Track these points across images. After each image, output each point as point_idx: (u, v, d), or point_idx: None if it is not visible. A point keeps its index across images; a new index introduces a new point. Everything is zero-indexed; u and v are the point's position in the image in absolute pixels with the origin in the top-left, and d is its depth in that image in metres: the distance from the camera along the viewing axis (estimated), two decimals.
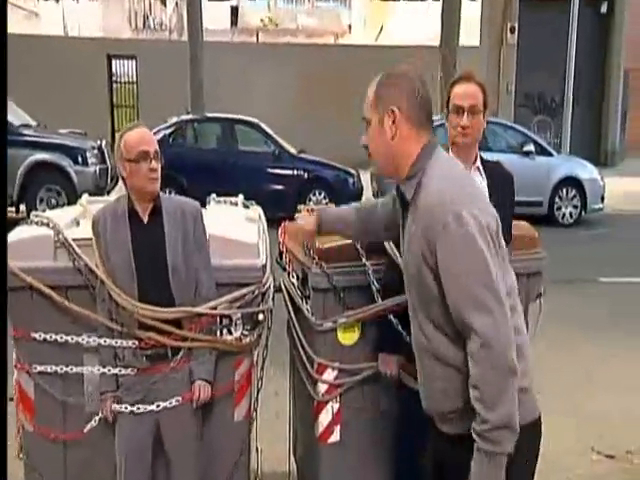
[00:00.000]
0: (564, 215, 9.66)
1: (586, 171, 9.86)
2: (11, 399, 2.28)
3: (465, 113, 2.11)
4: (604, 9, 15.39)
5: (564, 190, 9.58)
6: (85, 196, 2.74)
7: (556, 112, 15.08)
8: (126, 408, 2.10)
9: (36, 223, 2.28)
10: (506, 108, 14.92)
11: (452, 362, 1.53)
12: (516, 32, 15.04)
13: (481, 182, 2.15)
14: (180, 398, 2.10)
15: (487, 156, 2.29)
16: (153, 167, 2.05)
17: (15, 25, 18.88)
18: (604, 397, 3.93)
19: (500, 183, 2.18)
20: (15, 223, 3.04)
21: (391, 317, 2.17)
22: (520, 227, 2.58)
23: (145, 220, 2.11)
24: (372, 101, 1.62)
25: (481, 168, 2.18)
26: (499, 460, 1.44)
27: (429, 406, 1.64)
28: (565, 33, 12.70)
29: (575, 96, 13.01)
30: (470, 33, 14.41)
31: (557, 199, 9.59)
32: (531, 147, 9.43)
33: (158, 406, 2.09)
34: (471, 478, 1.46)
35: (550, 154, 9.85)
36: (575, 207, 9.66)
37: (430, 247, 1.48)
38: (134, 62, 14.33)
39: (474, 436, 1.45)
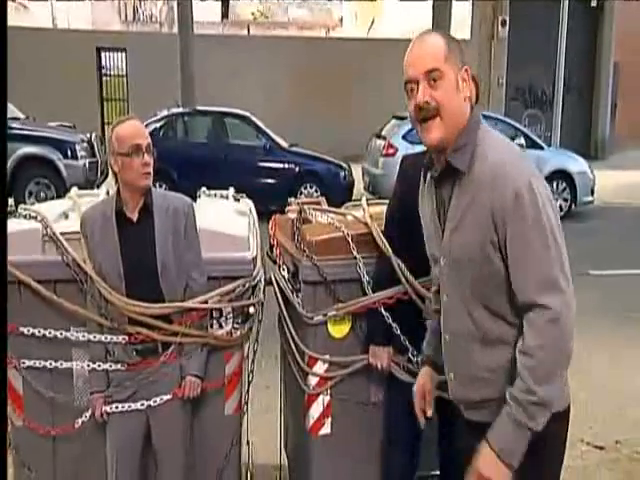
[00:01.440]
0: None
1: (576, 164, 9.90)
2: None
3: None
4: (594, 3, 15.42)
5: (554, 183, 9.60)
6: (74, 189, 2.72)
7: (547, 105, 15.12)
8: (117, 408, 2.08)
9: (24, 216, 2.27)
10: (497, 102, 14.95)
11: (508, 347, 1.44)
12: (507, 26, 15.04)
13: None
14: (170, 394, 2.09)
15: None
16: (146, 161, 2.01)
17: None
18: (593, 388, 3.96)
19: None
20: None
21: (382, 309, 2.17)
22: None
23: (135, 218, 2.06)
24: (445, 53, 1.46)
25: None
26: (525, 434, 1.39)
27: (465, 395, 1.56)
28: (555, 27, 12.71)
29: (565, 89, 13.05)
30: (461, 27, 14.42)
31: None
32: (522, 140, 9.44)
33: (147, 403, 2.08)
34: (491, 438, 1.41)
35: (541, 147, 9.89)
36: (565, 200, 9.70)
37: (497, 220, 1.39)
38: (124, 55, 14.20)
39: (509, 401, 1.39)
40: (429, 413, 1.74)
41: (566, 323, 1.40)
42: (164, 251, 2.05)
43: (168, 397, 2.09)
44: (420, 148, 2.49)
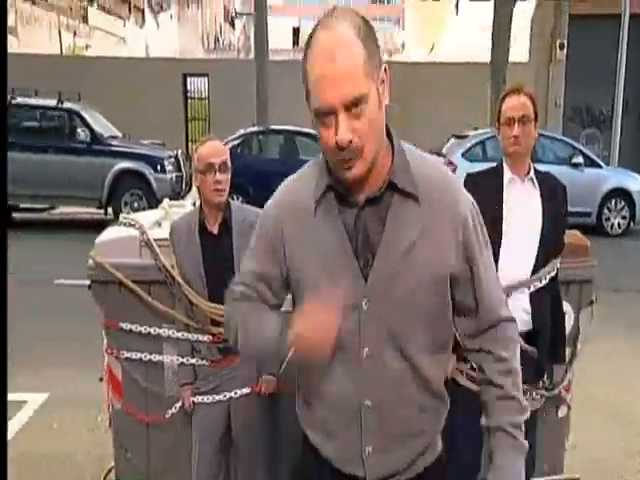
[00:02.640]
0: (612, 225, 9.24)
1: (635, 183, 9.40)
2: (101, 379, 2.38)
3: (516, 123, 2.06)
4: None
5: (613, 201, 9.17)
6: (166, 200, 2.83)
7: (605, 125, 14.43)
8: (202, 399, 2.14)
9: (124, 224, 2.37)
10: (555, 122, 14.40)
11: (441, 387, 1.21)
12: (565, 49, 14.50)
13: (534, 191, 2.09)
14: (248, 389, 2.13)
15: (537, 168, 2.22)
16: (217, 179, 2.03)
17: (106, 49, 19.82)
18: None
19: (552, 193, 2.12)
20: (104, 224, 3.17)
21: None
22: (572, 236, 2.49)
23: (215, 231, 2.10)
24: (365, 60, 1.04)
25: (534, 179, 2.12)
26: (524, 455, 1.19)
27: (394, 466, 1.19)
28: (615, 48, 12.14)
29: (624, 109, 12.42)
30: (519, 49, 14.02)
31: (606, 210, 9.20)
32: (580, 159, 9.07)
33: (229, 395, 2.12)
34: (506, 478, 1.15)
35: (599, 166, 9.45)
36: (624, 218, 9.23)
37: (459, 245, 1.13)
38: (206, 79, 14.69)
39: (512, 431, 1.16)
40: None
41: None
42: (240, 261, 2.08)
43: (247, 391, 2.13)
44: (480, 166, 2.47)
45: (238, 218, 2.11)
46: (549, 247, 2.06)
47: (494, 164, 2.20)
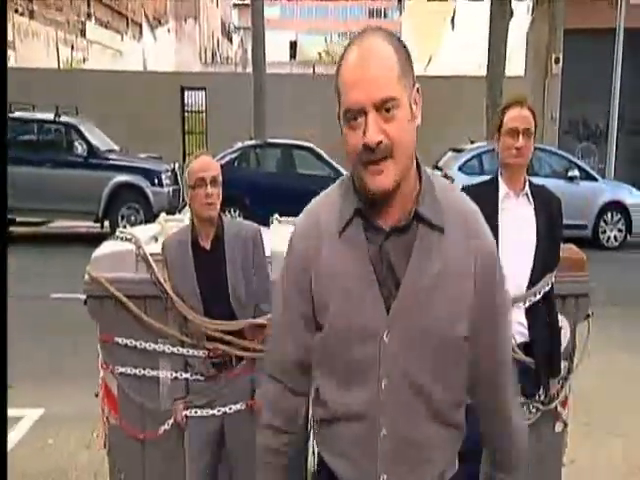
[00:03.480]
0: (609, 238, 9.29)
1: (631, 196, 9.47)
2: (96, 395, 2.38)
3: (520, 135, 2.07)
4: None
5: (609, 214, 9.24)
6: (163, 215, 2.84)
7: (600, 138, 14.55)
8: (196, 412, 2.14)
9: (121, 239, 2.38)
10: (551, 135, 14.51)
11: (456, 418, 1.18)
12: (560, 63, 14.66)
13: (528, 207, 2.10)
14: (244, 403, 2.13)
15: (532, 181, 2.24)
16: (208, 192, 2.03)
17: (103, 62, 19.94)
18: None
19: (547, 206, 2.12)
20: (100, 237, 3.18)
21: None
22: (568, 250, 2.50)
23: (208, 247, 2.10)
24: (399, 70, 1.04)
25: (529, 194, 2.13)
26: None
27: None
28: (610, 61, 12.30)
29: (620, 123, 12.53)
30: (515, 63, 14.17)
31: (602, 223, 9.25)
32: (576, 172, 9.14)
33: (223, 410, 2.12)
34: None
35: (595, 179, 9.52)
36: (620, 231, 9.28)
37: (478, 284, 1.10)
38: (204, 93, 14.77)
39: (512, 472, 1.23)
40: None
41: None
42: (234, 276, 2.09)
43: (242, 407, 2.13)
44: (477, 179, 2.48)
45: (230, 232, 2.11)
46: (544, 262, 2.07)
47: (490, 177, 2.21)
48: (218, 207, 2.08)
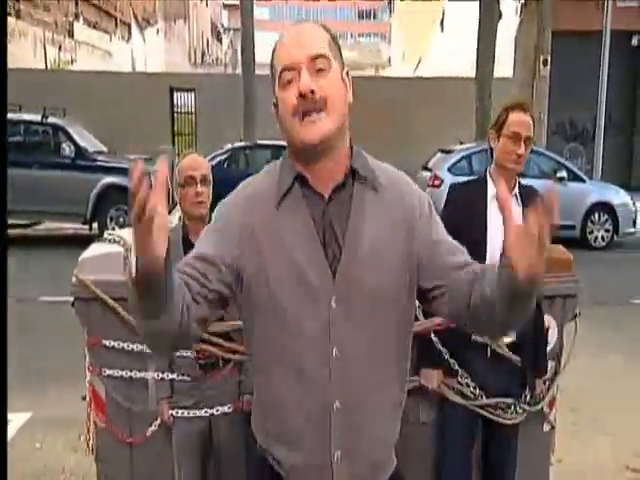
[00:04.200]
0: (596, 238, 9.39)
1: (618, 196, 9.58)
2: (84, 398, 2.36)
3: (522, 142, 2.06)
4: (635, 42, 15.00)
5: (596, 215, 9.34)
6: None
7: (588, 139, 14.71)
8: (182, 413, 2.13)
9: (109, 241, 2.37)
10: (538, 136, 14.62)
11: (402, 395, 1.21)
12: (548, 65, 14.79)
13: (516, 208, 2.11)
14: (231, 406, 2.12)
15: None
16: (198, 191, 2.05)
17: (92, 63, 19.81)
18: (638, 415, 3.76)
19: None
20: (89, 239, 3.16)
21: (432, 335, 2.15)
22: (555, 250, 2.52)
23: None
24: (330, 41, 1.13)
25: (518, 195, 2.12)
26: None
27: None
28: (597, 64, 12.43)
29: (607, 124, 12.67)
30: (504, 65, 14.27)
31: (589, 223, 9.34)
32: (563, 173, 9.22)
33: (210, 412, 2.11)
34: None
35: (582, 180, 9.61)
36: (607, 231, 9.38)
37: (414, 232, 1.14)
38: (193, 94, 14.74)
39: None
40: None
41: None
42: None
43: (229, 409, 2.12)
44: (465, 179, 2.49)
45: None
46: None
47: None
48: (208, 206, 2.09)
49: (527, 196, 2.14)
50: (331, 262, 1.10)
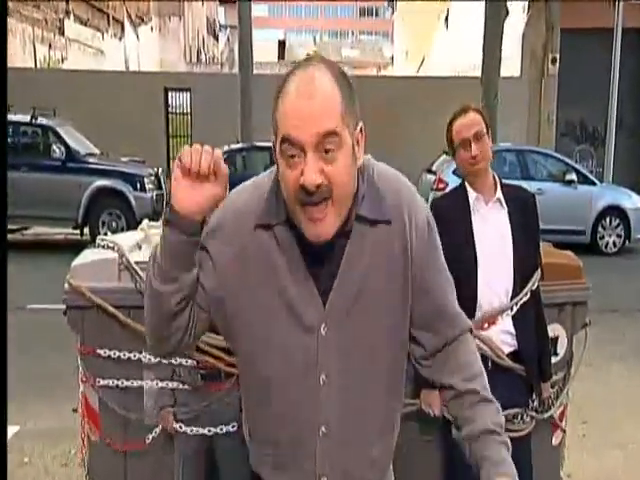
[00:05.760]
0: (607, 244, 9.38)
1: (630, 200, 9.57)
2: (75, 410, 2.37)
3: (472, 143, 2.05)
4: None
5: (607, 219, 9.32)
6: (145, 221, 2.84)
7: (598, 141, 14.73)
8: (184, 429, 2.14)
9: (102, 247, 2.38)
10: (547, 137, 14.67)
11: (395, 418, 1.23)
12: (557, 63, 14.84)
13: (501, 213, 2.08)
14: (235, 425, 2.12)
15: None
16: None
17: (83, 62, 19.88)
18: None
19: (520, 207, 2.10)
20: (80, 245, 3.18)
21: None
22: (565, 256, 2.54)
23: None
24: (342, 106, 1.03)
25: (502, 199, 2.10)
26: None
27: None
28: (607, 63, 12.48)
29: (618, 126, 12.69)
30: (511, 64, 14.33)
31: (600, 228, 9.34)
32: (573, 176, 9.22)
33: (214, 430, 2.13)
34: (505, 472, 1.10)
35: (593, 183, 9.61)
36: (619, 236, 9.38)
37: (409, 250, 1.13)
38: (189, 94, 14.78)
39: (499, 430, 1.13)
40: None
41: None
42: None
43: (233, 428, 2.12)
44: (447, 191, 2.45)
45: None
46: (524, 267, 2.08)
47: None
48: None
49: (512, 197, 2.11)
50: (322, 292, 1.10)
